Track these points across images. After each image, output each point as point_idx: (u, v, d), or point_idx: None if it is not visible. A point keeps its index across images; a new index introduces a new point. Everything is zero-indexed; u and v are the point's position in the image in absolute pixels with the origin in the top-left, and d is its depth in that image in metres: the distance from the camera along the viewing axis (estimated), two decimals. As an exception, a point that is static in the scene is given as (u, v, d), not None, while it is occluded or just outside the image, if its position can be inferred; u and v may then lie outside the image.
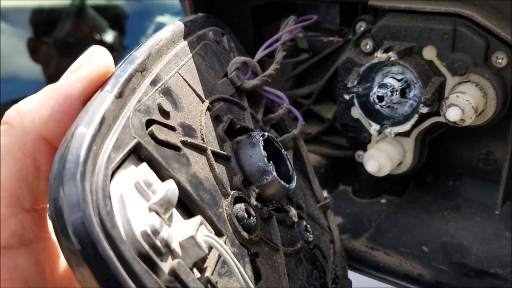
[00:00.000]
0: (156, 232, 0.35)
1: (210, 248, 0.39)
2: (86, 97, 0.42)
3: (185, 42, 0.55)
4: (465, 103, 0.61)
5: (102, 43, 2.01)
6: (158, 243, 0.34)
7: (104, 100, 0.39)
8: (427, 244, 0.76)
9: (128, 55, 0.47)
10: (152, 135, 0.42)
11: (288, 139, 0.68)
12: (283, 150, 0.57)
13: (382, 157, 0.70)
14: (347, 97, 0.72)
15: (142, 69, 0.45)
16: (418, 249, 0.75)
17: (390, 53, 0.66)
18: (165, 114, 0.45)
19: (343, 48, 0.82)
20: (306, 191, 0.66)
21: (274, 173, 0.51)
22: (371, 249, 0.77)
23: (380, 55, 0.67)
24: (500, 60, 0.62)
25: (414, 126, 0.69)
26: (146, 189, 0.37)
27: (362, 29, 0.77)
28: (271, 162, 0.52)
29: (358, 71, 0.71)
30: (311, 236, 0.58)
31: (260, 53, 0.69)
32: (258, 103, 0.67)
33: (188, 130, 0.47)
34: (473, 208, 0.82)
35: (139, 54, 0.47)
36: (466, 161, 0.79)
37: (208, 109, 0.52)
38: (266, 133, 0.54)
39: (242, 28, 0.84)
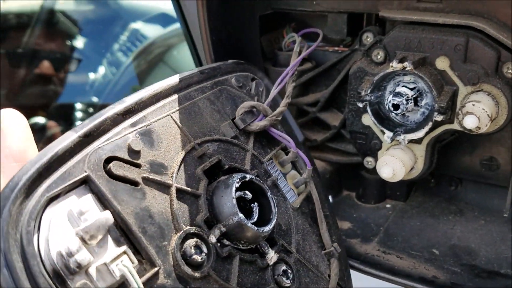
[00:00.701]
0: (70, 254, 0.42)
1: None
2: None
3: (195, 88, 0.64)
4: (481, 111, 0.64)
5: (72, 49, 1.98)
6: (71, 264, 0.42)
7: (66, 139, 0.47)
8: (437, 247, 0.78)
9: (121, 100, 0.56)
10: (108, 171, 0.49)
11: (301, 183, 0.71)
12: (269, 193, 0.60)
13: (396, 163, 0.72)
14: (360, 104, 0.74)
15: (125, 113, 0.54)
16: (429, 252, 0.77)
17: (406, 63, 0.68)
18: (133, 152, 0.52)
19: (349, 58, 0.84)
20: (309, 236, 0.68)
21: (241, 215, 0.54)
22: (383, 253, 0.79)
23: (395, 65, 0.69)
24: (511, 71, 0.65)
25: (426, 133, 0.72)
26: (76, 217, 0.44)
27: (369, 39, 0.79)
28: (255, 206, 0.58)
29: (372, 80, 0.73)
30: (289, 282, 0.60)
31: (273, 93, 0.71)
32: (273, 143, 0.70)
33: (157, 167, 0.53)
34: (476, 212, 0.85)
35: (128, 100, 0.56)
36: (469, 167, 0.82)
37: (193, 148, 0.58)
38: (249, 176, 0.58)
39: (250, 36, 0.85)
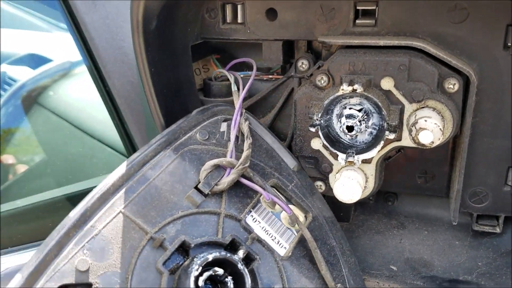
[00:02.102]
0: None
1: None
2: None
3: (151, 165, 0.61)
4: (433, 126, 0.66)
5: None
6: None
7: (13, 282, 0.48)
8: (393, 263, 0.79)
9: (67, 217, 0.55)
10: None
11: (293, 223, 0.69)
12: (239, 265, 0.57)
13: (353, 184, 0.72)
14: (312, 129, 0.73)
15: (70, 230, 0.53)
16: (388, 269, 0.78)
17: (356, 86, 0.69)
18: (82, 273, 0.52)
19: (285, 85, 0.84)
20: (309, 281, 0.65)
21: None
22: (344, 277, 0.78)
23: (346, 88, 0.70)
24: (451, 86, 0.69)
25: (378, 152, 0.73)
26: None
27: (304, 66, 0.80)
28: (229, 280, 0.56)
29: (321, 104, 0.73)
30: None
31: (232, 143, 0.69)
32: (253, 190, 0.67)
33: (110, 279, 0.52)
34: (416, 223, 0.88)
35: (73, 214, 0.55)
36: (406, 181, 0.86)
37: (151, 239, 0.56)
38: (211, 255, 0.55)
39: (185, 66, 0.81)
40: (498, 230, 0.80)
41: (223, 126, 0.72)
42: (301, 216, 0.72)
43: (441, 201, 0.87)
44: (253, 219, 0.67)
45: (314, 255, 0.66)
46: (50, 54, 1.80)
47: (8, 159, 1.39)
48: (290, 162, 0.76)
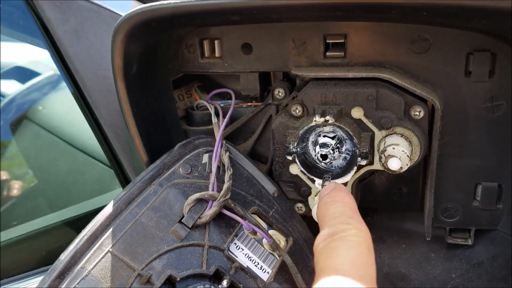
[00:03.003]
0: None
1: None
2: None
3: (136, 203, 0.65)
4: (401, 153, 0.71)
5: None
6: None
7: None
8: (372, 278, 0.84)
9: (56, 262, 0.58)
10: None
11: (275, 249, 0.72)
12: None
13: (329, 209, 0.77)
14: (289, 157, 0.77)
15: (60, 276, 0.56)
16: (367, 284, 0.83)
17: (328, 117, 0.73)
18: None
19: (263, 112, 0.88)
20: None
21: None
22: (326, 294, 0.82)
23: (318, 119, 0.74)
24: (417, 113, 0.74)
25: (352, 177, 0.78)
26: None
27: (281, 94, 0.84)
28: None
29: (297, 134, 0.77)
30: None
31: (213, 175, 0.73)
32: (234, 220, 0.71)
33: None
34: (395, 237, 0.93)
35: (63, 258, 0.58)
36: (382, 197, 0.90)
37: (139, 275, 0.59)
38: (204, 286, 0.60)
39: (167, 101, 0.85)
40: (470, 242, 0.85)
41: (205, 158, 0.76)
42: (282, 240, 0.76)
43: (417, 215, 0.92)
44: (237, 247, 0.71)
45: (295, 279, 0.70)
46: (37, 67, 1.82)
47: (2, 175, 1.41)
48: (270, 188, 0.80)
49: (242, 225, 0.72)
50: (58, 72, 1.85)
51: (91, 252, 0.60)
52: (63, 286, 0.56)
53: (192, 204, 0.68)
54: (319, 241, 0.55)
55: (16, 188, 1.39)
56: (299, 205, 0.85)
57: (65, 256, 0.59)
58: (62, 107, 1.74)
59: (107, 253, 0.60)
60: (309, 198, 0.83)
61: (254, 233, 0.72)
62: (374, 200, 0.91)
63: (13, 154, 1.51)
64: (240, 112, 0.92)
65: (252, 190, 0.77)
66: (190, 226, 0.67)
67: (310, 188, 0.83)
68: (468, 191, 0.81)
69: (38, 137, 1.60)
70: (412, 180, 0.86)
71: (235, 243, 0.71)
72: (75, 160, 1.46)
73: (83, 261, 0.59)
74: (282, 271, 0.71)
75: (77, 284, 0.57)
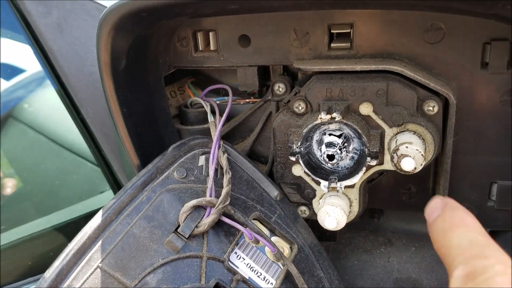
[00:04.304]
0: None
1: None
2: None
3: (127, 212, 0.59)
4: (415, 152, 0.65)
5: None
6: None
7: None
8: (382, 285, 0.79)
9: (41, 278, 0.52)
10: None
11: (279, 259, 0.67)
12: None
13: (337, 212, 0.71)
14: (293, 158, 0.71)
15: None
16: (377, 292, 0.78)
17: (334, 114, 0.67)
18: None
19: (263, 109, 0.82)
20: None
21: None
22: (334, 304, 0.77)
23: (324, 116, 0.68)
24: (431, 108, 0.68)
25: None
26: None
27: (281, 89, 0.78)
28: None
29: (300, 132, 0.71)
30: None
31: (211, 179, 0.67)
32: (234, 228, 0.66)
33: None
34: (404, 239, 0.88)
35: (49, 275, 0.52)
36: (390, 198, 0.85)
37: None
38: None
39: (159, 98, 0.78)
40: (484, 244, 0.80)
41: (201, 160, 0.70)
42: (286, 247, 0.70)
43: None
44: (238, 256, 0.66)
45: None
46: (23, 63, 1.75)
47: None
48: (272, 191, 0.74)
49: (243, 233, 0.66)
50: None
51: (79, 268, 0.54)
52: None
53: (189, 212, 0.62)
54: (456, 286, 0.43)
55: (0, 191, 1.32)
56: (303, 208, 0.80)
57: (50, 274, 0.53)
58: (48, 105, 1.68)
59: (96, 268, 0.55)
60: (314, 201, 0.78)
61: (256, 241, 0.67)
62: (381, 201, 0.85)
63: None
64: (237, 109, 0.86)
65: (252, 194, 0.71)
66: (186, 236, 0.61)
67: (314, 191, 0.77)
68: (483, 191, 0.76)
69: (24, 137, 1.53)
70: (422, 179, 0.81)
71: (236, 252, 0.65)
72: (63, 160, 1.40)
73: (70, 279, 0.53)
74: (287, 281, 0.66)
75: None
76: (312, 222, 0.88)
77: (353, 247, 0.88)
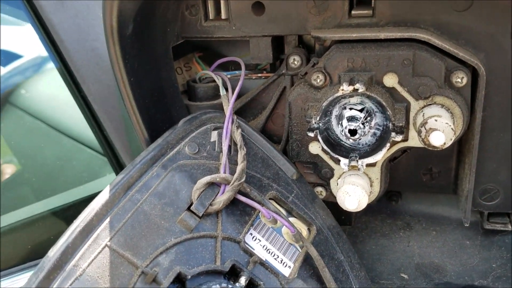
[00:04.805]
0: None
1: None
2: None
3: (137, 187, 0.55)
4: (444, 125, 0.61)
5: None
6: None
7: None
8: (403, 270, 0.75)
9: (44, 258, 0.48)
10: None
11: (298, 240, 0.63)
12: None
13: (358, 191, 0.67)
14: (311, 134, 0.67)
15: (49, 274, 0.47)
16: (398, 277, 0.73)
17: (357, 85, 0.63)
18: None
19: (276, 84, 0.77)
20: None
21: None
22: (353, 289, 0.73)
23: (346, 88, 0.63)
24: (459, 80, 0.64)
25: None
26: None
27: (296, 62, 0.73)
28: None
29: (320, 107, 0.67)
30: None
31: (225, 155, 0.62)
32: (250, 207, 0.61)
33: None
34: (423, 223, 0.83)
35: (52, 254, 0.48)
36: (410, 179, 0.80)
37: (143, 273, 0.50)
38: (220, 285, 0.51)
39: (166, 70, 0.74)
40: (510, 227, 0.76)
41: (214, 136, 0.65)
42: (304, 229, 0.66)
43: (447, 198, 0.82)
44: (253, 238, 0.61)
45: (322, 274, 0.60)
46: (20, 49, 1.70)
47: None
48: (288, 170, 0.69)
49: (259, 213, 0.62)
50: (41, 54, 1.72)
51: (86, 246, 0.50)
52: (56, 284, 0.47)
53: (202, 188, 0.58)
54: None
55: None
56: (319, 189, 0.75)
57: (54, 252, 0.49)
58: (46, 91, 1.63)
59: (104, 247, 0.50)
60: (331, 181, 0.73)
61: (274, 221, 0.62)
62: (399, 183, 0.81)
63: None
64: (248, 86, 0.81)
65: (268, 173, 0.67)
66: (200, 214, 0.56)
67: (332, 170, 0.72)
68: (510, 170, 0.71)
69: (21, 122, 1.48)
70: (445, 158, 0.76)
71: (251, 234, 0.61)
72: (62, 146, 1.35)
73: (76, 258, 0.49)
74: (305, 264, 0.62)
75: (70, 285, 0.47)
76: (327, 205, 0.84)
77: (370, 232, 0.84)
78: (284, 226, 0.63)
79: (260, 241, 0.61)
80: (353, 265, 0.65)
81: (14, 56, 1.84)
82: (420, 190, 0.81)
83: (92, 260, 0.49)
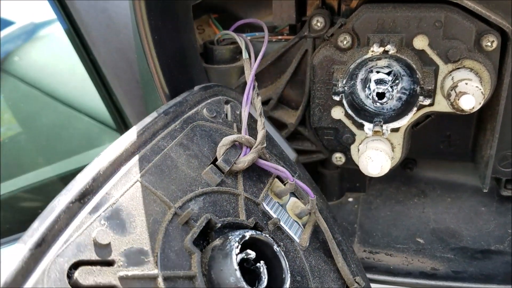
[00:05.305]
0: None
1: None
2: None
3: (162, 135, 0.53)
4: (474, 89, 0.60)
5: None
6: None
7: (15, 255, 0.38)
8: (419, 235, 0.75)
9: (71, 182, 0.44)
10: (75, 283, 0.39)
11: (304, 214, 0.62)
12: (275, 247, 0.50)
13: (381, 156, 0.66)
14: (336, 98, 0.66)
15: (80, 197, 0.43)
16: (414, 242, 0.74)
17: (388, 46, 0.62)
18: (102, 248, 0.42)
19: (297, 47, 0.76)
20: (326, 275, 0.59)
21: None
22: (370, 253, 0.73)
23: (376, 49, 0.62)
24: (489, 43, 0.63)
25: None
26: None
27: (319, 24, 0.72)
28: (262, 265, 0.48)
29: (347, 69, 0.65)
30: None
31: (245, 117, 0.61)
32: (264, 175, 0.60)
33: (135, 256, 0.43)
34: (438, 190, 0.84)
35: (80, 179, 0.44)
36: (428, 146, 0.80)
37: (175, 215, 0.48)
38: (248, 233, 0.48)
39: (186, 30, 0.71)
40: (526, 194, 0.76)
41: (226, 108, 0.64)
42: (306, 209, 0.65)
43: (463, 165, 0.83)
44: (268, 206, 0.60)
45: (330, 246, 0.60)
46: (11, 15, 1.65)
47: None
48: (290, 153, 0.69)
49: (272, 181, 0.60)
50: (34, 21, 1.66)
51: (117, 178, 0.46)
52: (85, 210, 0.43)
53: (228, 146, 0.56)
54: None
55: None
56: (338, 155, 0.75)
57: (83, 177, 0.45)
58: (40, 58, 1.59)
59: (136, 182, 0.47)
60: (352, 147, 0.73)
61: (280, 196, 0.61)
62: (416, 150, 0.81)
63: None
64: (269, 48, 0.79)
65: (275, 150, 0.66)
66: (225, 170, 0.55)
67: (354, 135, 0.72)
68: (532, 139, 0.71)
69: (15, 90, 1.44)
70: (464, 125, 0.76)
71: (266, 203, 0.60)
72: (59, 114, 1.32)
73: (109, 186, 0.45)
74: (313, 237, 0.61)
75: (104, 212, 0.43)
76: (342, 171, 0.84)
77: (385, 198, 0.84)
78: (288, 203, 0.62)
79: (270, 212, 0.61)
80: (349, 248, 0.65)
81: (6, 23, 1.78)
82: (437, 157, 0.81)
83: (125, 192, 0.46)
